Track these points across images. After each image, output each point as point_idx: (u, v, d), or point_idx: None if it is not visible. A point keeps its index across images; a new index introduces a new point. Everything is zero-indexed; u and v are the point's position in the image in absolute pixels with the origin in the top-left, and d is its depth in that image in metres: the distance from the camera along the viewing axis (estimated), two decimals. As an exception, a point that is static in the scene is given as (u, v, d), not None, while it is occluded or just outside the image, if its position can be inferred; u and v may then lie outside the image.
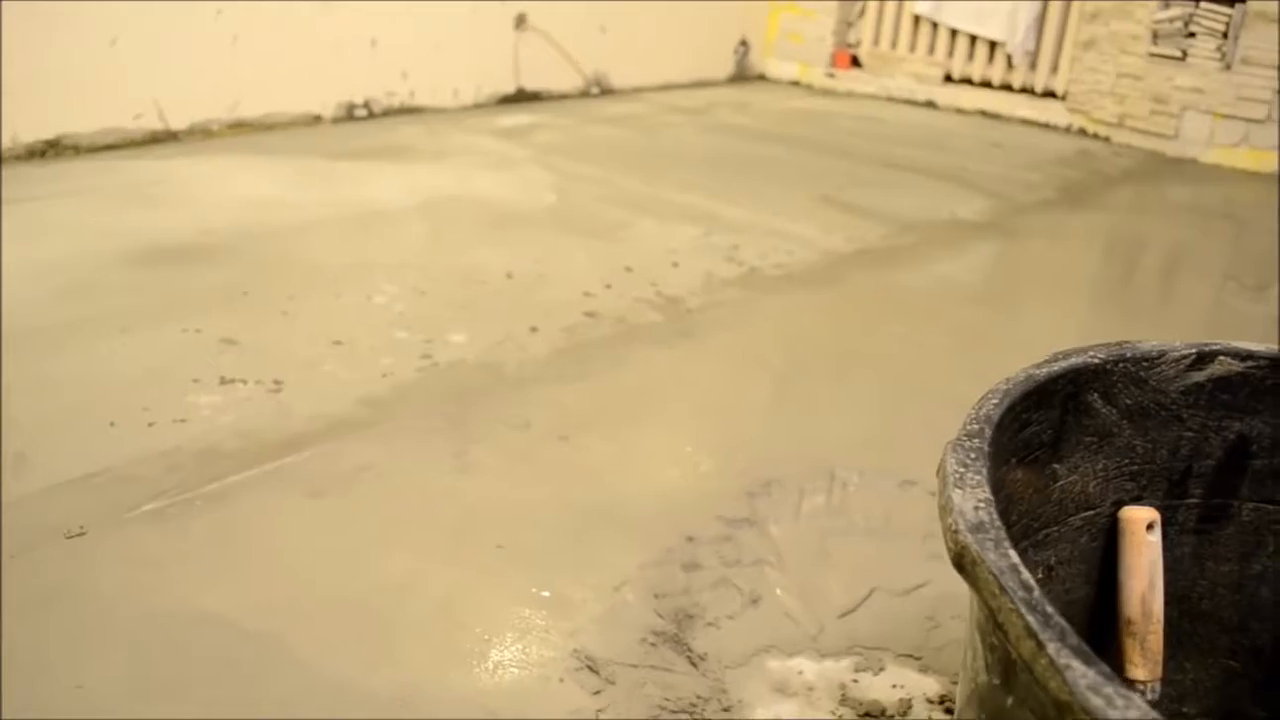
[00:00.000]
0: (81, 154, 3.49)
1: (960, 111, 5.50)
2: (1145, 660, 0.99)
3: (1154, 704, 1.00)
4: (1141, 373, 0.97)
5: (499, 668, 1.28)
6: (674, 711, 1.23)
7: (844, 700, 1.29)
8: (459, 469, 1.71)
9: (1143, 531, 0.99)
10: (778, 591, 1.47)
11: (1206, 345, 0.99)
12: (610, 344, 2.23)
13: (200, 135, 3.82)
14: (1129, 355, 0.96)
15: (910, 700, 1.29)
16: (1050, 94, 5.32)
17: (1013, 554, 0.63)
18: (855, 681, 1.32)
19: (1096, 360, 0.94)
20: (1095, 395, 0.95)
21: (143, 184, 3.18)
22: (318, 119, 4.20)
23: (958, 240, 3.24)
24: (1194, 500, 1.05)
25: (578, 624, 1.36)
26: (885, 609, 1.45)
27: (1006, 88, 5.46)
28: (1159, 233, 3.69)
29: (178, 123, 3.77)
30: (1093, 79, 5.06)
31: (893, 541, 1.61)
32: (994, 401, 0.83)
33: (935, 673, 1.34)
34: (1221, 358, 1.00)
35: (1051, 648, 0.56)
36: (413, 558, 1.48)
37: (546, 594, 1.42)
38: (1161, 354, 0.97)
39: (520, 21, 4.79)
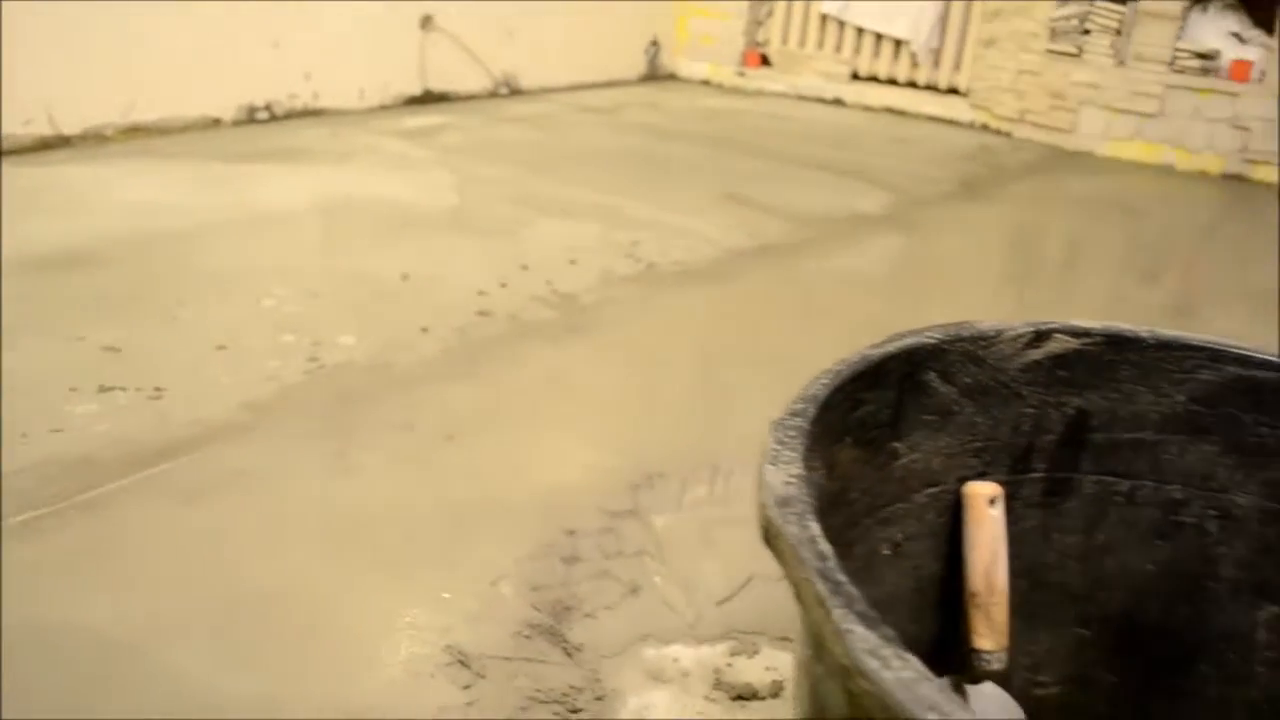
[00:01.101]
0: (-34, 161, 3.39)
1: (867, 109, 5.58)
2: (991, 631, 1.01)
3: (1000, 673, 1.02)
4: (979, 351, 0.99)
5: (370, 668, 1.27)
6: (545, 702, 1.23)
7: (718, 684, 1.30)
8: (339, 471, 1.70)
9: (985, 506, 1.00)
10: (657, 581, 1.48)
11: (1043, 324, 1.02)
12: (502, 343, 2.22)
13: (94, 140, 3.74)
14: (966, 335, 0.98)
15: (782, 681, 1.30)
16: (954, 91, 5.41)
17: (814, 526, 0.64)
18: (730, 666, 1.33)
19: (933, 340, 0.96)
20: (933, 374, 0.96)
21: (31, 191, 3.10)
22: (217, 122, 4.13)
23: (858, 234, 3.28)
24: (1038, 475, 1.07)
25: (451, 620, 1.35)
26: (762, 595, 1.47)
27: (912, 85, 5.55)
28: (1057, 224, 3.78)
29: (70, 128, 3.68)
30: (994, 76, 5.17)
31: (775, 529, 1.62)
32: (823, 381, 0.84)
33: (809, 656, 1.35)
34: (1057, 335, 1.02)
35: (837, 613, 0.57)
36: (286, 561, 1.46)
37: (422, 592, 1.41)
38: (998, 333, 0.99)
39: (426, 22, 4.76)
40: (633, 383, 2.12)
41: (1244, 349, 1.03)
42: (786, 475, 0.70)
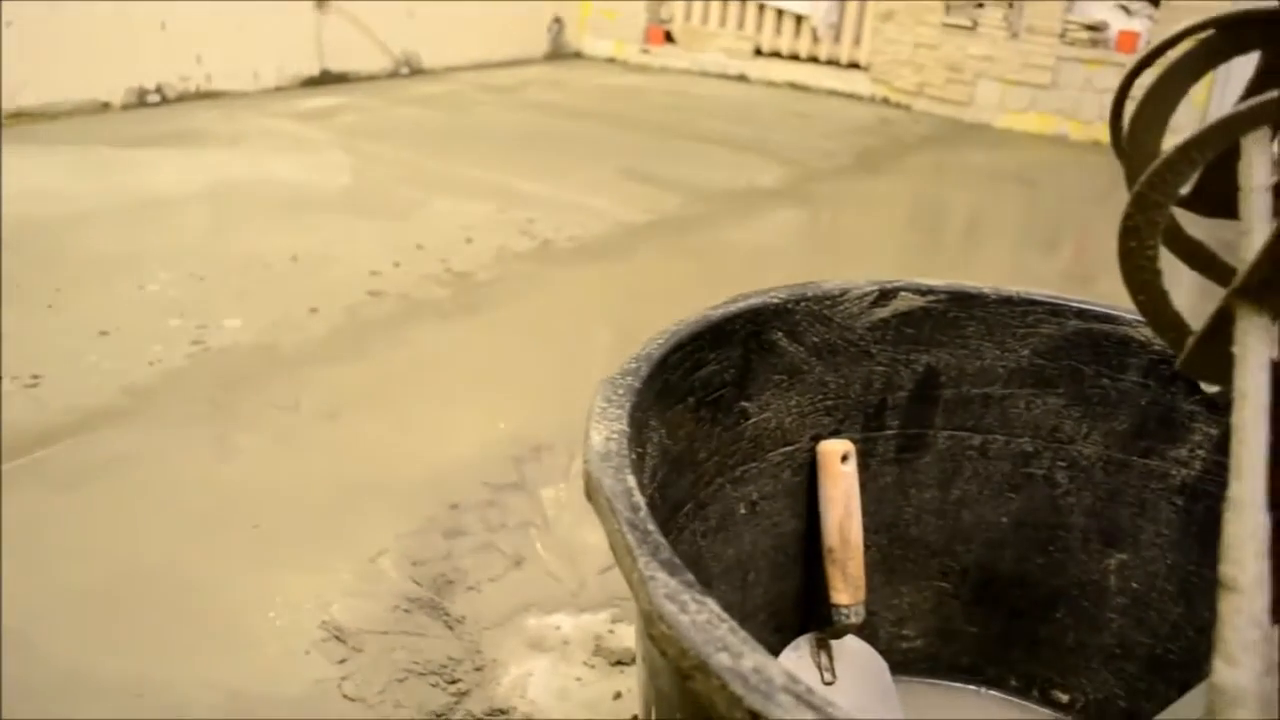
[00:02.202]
0: None
1: (770, 84, 5.62)
2: (847, 585, 1.04)
3: (858, 626, 1.05)
4: (825, 311, 1.01)
5: (242, 647, 1.26)
6: (423, 674, 1.23)
7: (598, 651, 1.31)
8: (220, 454, 1.67)
9: (837, 463, 1.03)
10: (541, 552, 1.49)
11: (888, 282, 1.04)
12: (392, 322, 2.21)
13: (-27, 127, 3.62)
14: (811, 294, 1.00)
15: (659, 647, 1.32)
16: (855, 65, 5.47)
17: (630, 480, 0.65)
18: (611, 632, 1.35)
19: (777, 300, 0.97)
20: (779, 334, 0.98)
21: (-96, 179, 3.00)
22: (106, 106, 4.02)
23: (755, 208, 3.31)
24: (891, 431, 1.10)
25: (329, 597, 1.35)
26: (645, 562, 1.48)
27: (814, 60, 5.59)
28: (955, 196, 3.84)
29: (-53, 114, 3.56)
30: (893, 50, 5.23)
31: (659, 498, 1.64)
32: (658, 342, 0.85)
33: (688, 619, 1.37)
34: (903, 293, 1.04)
35: (641, 561, 0.58)
36: (162, 545, 1.44)
37: (299, 570, 1.40)
38: (844, 292, 1.02)
39: (322, 2, 4.68)
40: (524, 358, 2.12)
41: (1083, 302, 1.07)
42: (609, 431, 0.71)
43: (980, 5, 4.90)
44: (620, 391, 0.76)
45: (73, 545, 1.44)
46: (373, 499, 1.58)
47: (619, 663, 1.29)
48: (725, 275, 2.67)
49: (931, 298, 1.05)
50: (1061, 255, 3.28)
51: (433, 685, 1.22)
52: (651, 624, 0.57)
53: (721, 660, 0.52)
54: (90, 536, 1.46)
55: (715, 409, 0.94)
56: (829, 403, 1.05)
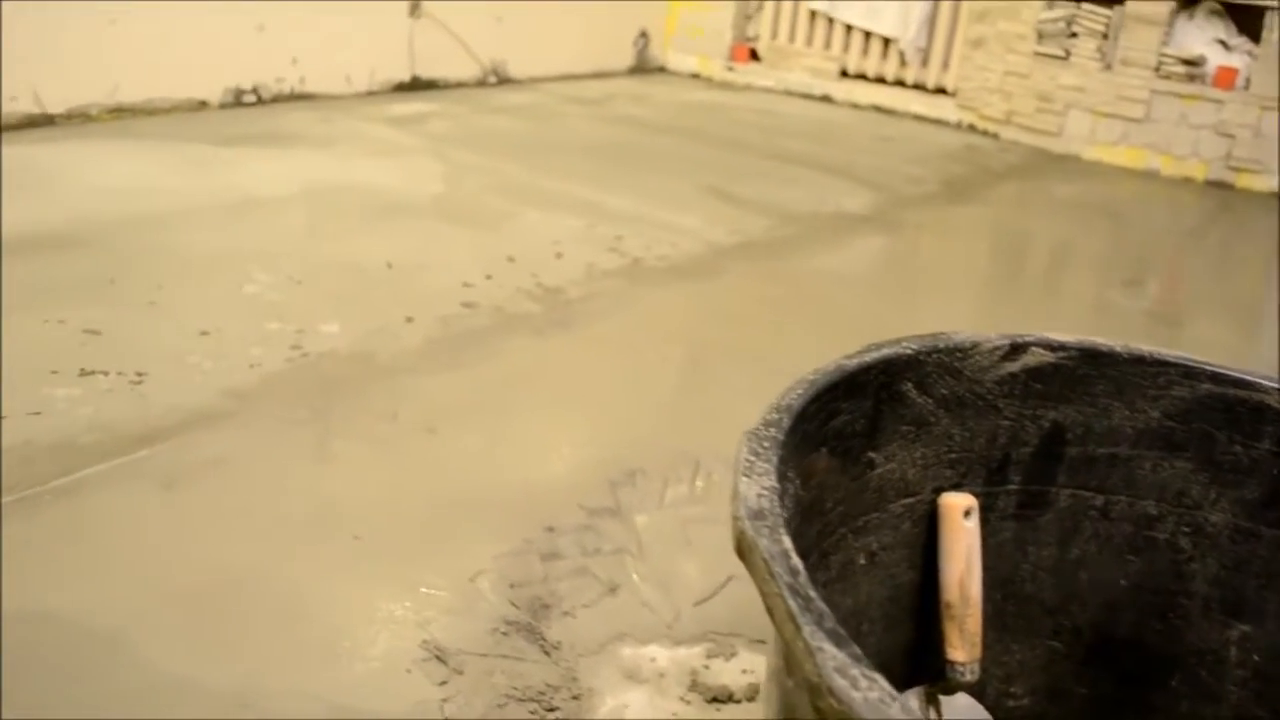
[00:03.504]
0: (-51, 138, 3.37)
1: (855, 106, 5.59)
2: (964, 642, 1.03)
3: (972, 684, 1.04)
4: (956, 363, 1.00)
5: (345, 661, 1.27)
6: (521, 700, 1.24)
7: (694, 686, 1.31)
8: (319, 460, 1.70)
9: (960, 517, 1.01)
10: (636, 579, 1.49)
11: (1019, 337, 1.03)
12: (486, 334, 2.22)
13: (79, 120, 3.71)
14: (943, 346, 0.99)
15: (758, 685, 1.31)
16: (941, 90, 5.42)
17: (786, 541, 0.65)
18: (706, 667, 1.34)
19: (910, 351, 0.96)
20: (909, 385, 0.97)
21: (12, 170, 3.07)
22: (204, 105, 4.11)
23: (841, 233, 3.29)
24: (1013, 487, 1.08)
25: (429, 615, 1.36)
26: (741, 596, 1.47)
27: (900, 83, 5.55)
28: (1041, 227, 3.79)
29: (55, 107, 3.65)
30: (981, 76, 5.18)
31: (752, 530, 1.63)
32: (798, 392, 0.85)
33: (783, 658, 1.36)
34: (1034, 348, 1.03)
35: (807, 630, 0.58)
36: (264, 551, 1.46)
37: (400, 585, 1.41)
38: (975, 345, 1.00)
39: (415, 8, 4.74)
40: (615, 378, 2.12)
41: (1218, 366, 1.05)
42: (760, 487, 0.71)
43: (1074, 35, 4.83)
44: (766, 444, 0.76)
45: (174, 547, 1.47)
46: (470, 516, 1.59)
47: (715, 700, 1.29)
48: (813, 302, 2.66)
49: (1062, 354, 1.04)
50: (1148, 294, 3.22)
51: (531, 712, 1.23)
52: (820, 696, 0.56)
53: (895, 741, 0.52)
54: (192, 539, 1.49)
55: (845, 459, 0.93)
56: (953, 455, 1.04)
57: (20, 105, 3.56)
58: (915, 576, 1.07)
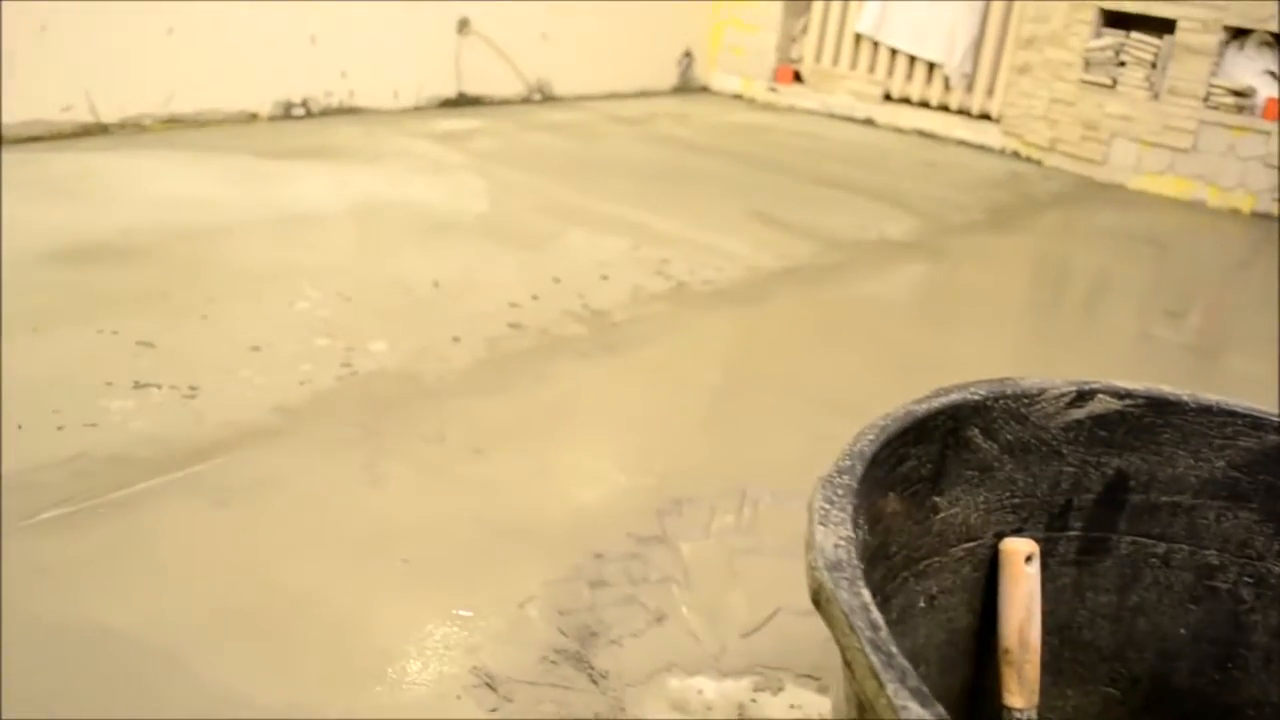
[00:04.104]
0: (5, 145, 3.42)
1: (898, 130, 5.58)
2: (1022, 688, 1.02)
3: (1029, 731, 1.03)
4: (1022, 409, 0.99)
5: (395, 684, 1.28)
6: (570, 730, 1.24)
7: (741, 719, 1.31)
8: (369, 481, 1.71)
9: (1021, 563, 1.01)
10: (683, 610, 1.49)
11: (1086, 384, 1.02)
12: (532, 356, 2.23)
13: (132, 130, 3.77)
14: (1009, 392, 0.98)
15: (805, 721, 1.31)
16: (986, 116, 5.41)
17: (865, 594, 0.65)
18: (754, 701, 1.34)
19: (977, 396, 0.96)
20: (975, 430, 0.97)
21: (66, 179, 3.13)
22: (254, 117, 4.15)
23: (886, 260, 3.29)
24: (1074, 533, 1.08)
25: (479, 641, 1.37)
26: (788, 629, 1.47)
27: (944, 108, 5.54)
28: (1085, 258, 3.77)
29: (109, 116, 3.71)
30: (1026, 103, 5.16)
31: (799, 562, 1.61)
32: (869, 437, 0.85)
33: (833, 694, 1.36)
34: (1100, 396, 1.02)
35: (891, 688, 0.58)
36: (315, 570, 1.47)
37: (449, 610, 1.42)
38: (1041, 391, 1.00)
39: (463, 26, 4.78)
40: (662, 403, 2.13)
41: (1286, 418, 1.04)
42: (837, 537, 0.71)
43: (1122, 64, 4.80)
44: (840, 492, 0.76)
45: (225, 564, 1.48)
46: (518, 541, 1.59)
47: (762, 733, 1.29)
48: (859, 329, 2.65)
49: (1129, 401, 1.03)
50: (1190, 326, 3.19)
51: (579, 741, 1.23)
52: (904, 757, 0.56)
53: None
54: (242, 556, 1.50)
55: (910, 503, 0.93)
56: (1016, 500, 1.03)
57: (75, 114, 3.62)
58: (973, 621, 1.06)
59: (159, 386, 1.94)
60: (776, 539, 1.68)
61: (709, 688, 1.35)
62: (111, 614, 1.35)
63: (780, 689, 1.35)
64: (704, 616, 1.48)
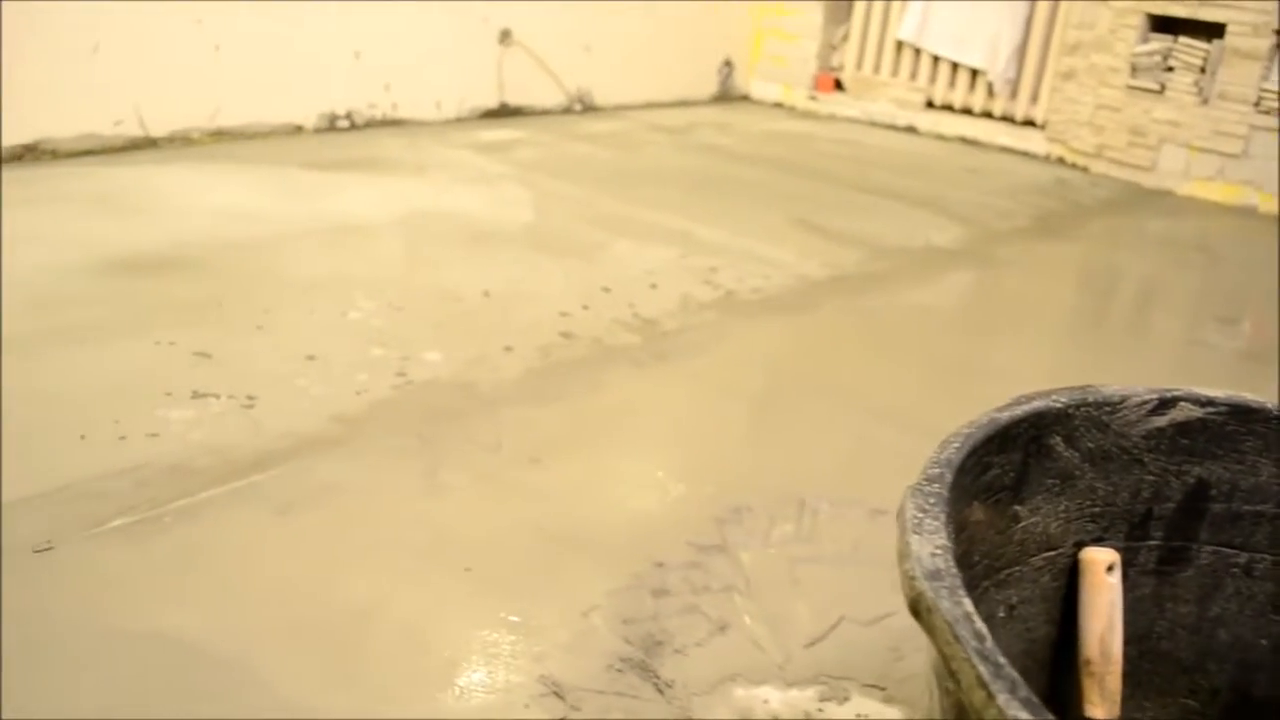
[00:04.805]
0: (59, 159, 3.47)
1: (941, 137, 5.55)
2: (1104, 700, 1.01)
3: (1111, 743, 1.01)
4: (1104, 417, 0.98)
5: (464, 692, 1.28)
6: (638, 739, 1.24)
7: (807, 730, 1.30)
8: (429, 490, 1.71)
9: (1103, 573, 1.00)
10: (746, 619, 1.48)
11: (1168, 391, 1.01)
12: (585, 365, 2.23)
13: (180, 143, 3.82)
14: (1091, 399, 0.97)
15: (873, 732, 1.30)
16: (1030, 123, 5.36)
17: (967, 603, 0.64)
18: (820, 711, 1.33)
19: (1059, 404, 0.95)
20: (1057, 438, 0.96)
21: (119, 192, 3.17)
22: (299, 129, 4.19)
23: (933, 268, 3.27)
24: (1154, 542, 1.06)
25: (544, 649, 1.36)
26: (852, 639, 1.46)
27: (987, 115, 5.50)
28: (1134, 265, 3.73)
29: (158, 130, 3.76)
30: (1072, 109, 5.11)
31: (861, 570, 1.62)
32: (955, 445, 0.84)
33: (898, 703, 1.35)
34: (1182, 403, 1.01)
35: (1001, 699, 0.57)
36: (379, 579, 1.48)
37: (514, 619, 1.42)
38: (1124, 399, 0.99)
39: (505, 37, 4.81)
40: (715, 411, 2.12)
41: (1373, 426, 1.02)
42: (933, 546, 0.70)
43: (1170, 69, 4.75)
44: (933, 500, 0.75)
45: (289, 575, 1.49)
46: (578, 550, 1.59)
47: (830, 744, 1.28)
48: (908, 337, 2.63)
49: (1211, 409, 1.02)
50: (1241, 332, 3.14)
51: (647, 750, 1.22)
52: (1018, 768, 0.55)
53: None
54: (306, 566, 1.51)
55: (992, 511, 0.92)
56: (1095, 509, 1.02)
57: (126, 128, 3.67)
58: (1052, 631, 1.05)
59: (217, 396, 1.96)
60: (836, 547, 1.67)
61: (774, 697, 1.34)
62: (176, 620, 1.36)
63: (846, 699, 1.34)
64: (767, 626, 1.47)
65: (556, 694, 1.28)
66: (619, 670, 1.34)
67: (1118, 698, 1.01)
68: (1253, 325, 3.26)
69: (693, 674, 1.36)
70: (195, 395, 1.96)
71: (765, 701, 1.33)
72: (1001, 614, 0.99)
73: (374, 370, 2.11)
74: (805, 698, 1.35)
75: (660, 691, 1.32)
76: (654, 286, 2.74)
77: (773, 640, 1.44)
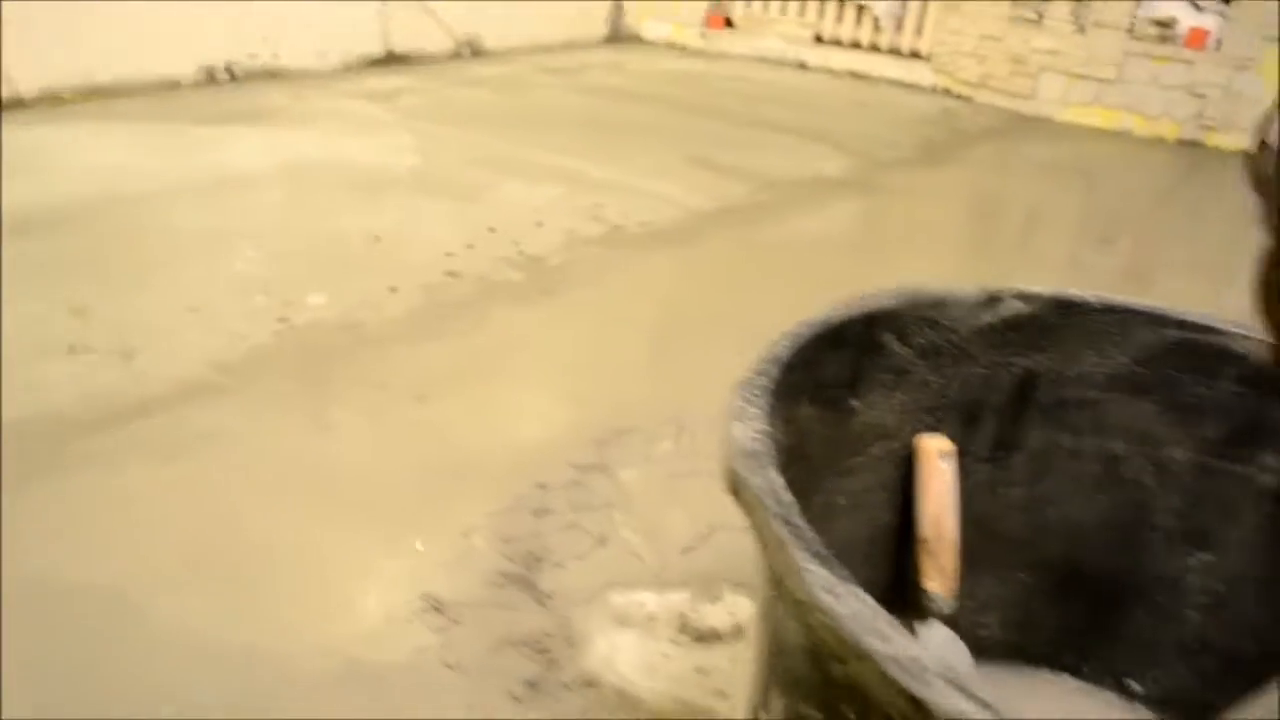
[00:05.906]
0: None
1: (830, 72, 5.61)
2: (940, 575, 1.08)
3: (949, 615, 1.09)
4: (934, 315, 1.04)
5: (347, 616, 1.32)
6: (517, 645, 1.29)
7: (683, 628, 1.36)
8: (316, 429, 1.73)
9: (935, 459, 1.07)
10: (624, 532, 1.54)
11: (994, 289, 1.07)
12: (470, 303, 2.26)
13: (50, 102, 3.70)
14: (921, 299, 1.03)
15: (742, 625, 1.36)
16: (916, 55, 5.46)
17: (776, 477, 0.69)
18: (694, 610, 1.39)
19: (891, 304, 1.01)
20: (890, 336, 1.02)
21: (-8, 151, 3.08)
22: (177, 84, 4.09)
23: (820, 198, 3.33)
24: (987, 431, 1.13)
25: (427, 571, 1.40)
26: (725, 545, 1.52)
27: (874, 49, 5.58)
28: (1016, 189, 3.84)
29: (26, 89, 3.64)
30: (956, 41, 5.21)
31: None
32: (785, 344, 0.89)
33: (770, 604, 1.42)
34: (1009, 299, 1.08)
35: (796, 554, 0.63)
36: (264, 517, 1.50)
37: (398, 545, 1.46)
38: (953, 298, 1.05)
39: (388, -19, 4.73)
40: (600, 342, 2.16)
41: (1183, 314, 1.10)
42: (752, 431, 0.75)
43: (1046, -2, 4.87)
44: (757, 392, 0.80)
45: (176, 515, 1.50)
46: (463, 477, 1.63)
47: (702, 639, 1.34)
48: (793, 264, 2.70)
49: (1036, 304, 1.08)
50: (1120, 252, 3.27)
51: (526, 657, 1.28)
52: (809, 613, 0.61)
53: (878, 647, 0.57)
54: (193, 507, 1.52)
55: (828, 406, 0.98)
56: (930, 402, 1.09)
57: (-6, 86, 3.55)
58: (893, 517, 1.12)
59: (94, 351, 1.94)
60: (714, 462, 1.72)
61: (651, 601, 1.40)
62: (64, 567, 1.37)
63: (718, 598, 1.41)
64: (645, 537, 1.53)
65: (437, 609, 1.33)
66: (499, 585, 1.39)
67: (954, 575, 1.08)
68: (1132, 245, 3.39)
69: (572, 585, 1.41)
70: (71, 350, 1.94)
71: (642, 605, 1.39)
72: (843, 502, 1.06)
73: (257, 317, 2.11)
74: (680, 599, 1.41)
75: (540, 603, 1.37)
76: (540, 224, 2.76)
77: (650, 550, 1.50)
